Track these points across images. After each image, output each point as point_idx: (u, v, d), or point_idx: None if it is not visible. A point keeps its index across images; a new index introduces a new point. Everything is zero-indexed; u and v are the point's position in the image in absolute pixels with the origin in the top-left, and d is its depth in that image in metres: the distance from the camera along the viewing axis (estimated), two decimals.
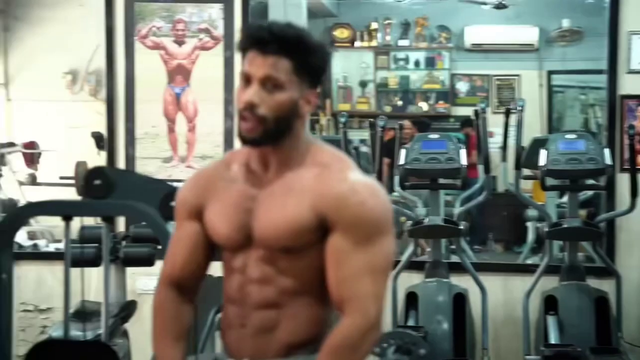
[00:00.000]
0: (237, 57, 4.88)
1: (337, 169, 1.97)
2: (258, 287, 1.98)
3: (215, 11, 4.95)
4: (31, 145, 6.61)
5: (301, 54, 1.92)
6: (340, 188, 1.93)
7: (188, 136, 4.92)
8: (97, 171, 3.05)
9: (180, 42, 4.95)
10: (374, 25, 8.51)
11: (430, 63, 8.55)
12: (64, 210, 2.60)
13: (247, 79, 1.94)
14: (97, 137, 5.66)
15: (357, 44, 8.56)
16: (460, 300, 4.33)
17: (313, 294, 1.99)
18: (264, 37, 1.91)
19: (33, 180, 6.51)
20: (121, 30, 4.93)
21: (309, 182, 1.95)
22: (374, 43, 8.54)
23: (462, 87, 8.52)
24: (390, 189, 4.71)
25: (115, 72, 4.92)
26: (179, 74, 4.93)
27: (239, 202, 2.00)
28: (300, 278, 1.97)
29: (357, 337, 1.91)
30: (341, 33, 8.52)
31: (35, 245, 5.81)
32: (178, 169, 4.90)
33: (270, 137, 1.94)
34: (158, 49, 4.95)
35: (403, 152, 4.34)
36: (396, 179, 4.51)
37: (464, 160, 4.30)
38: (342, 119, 4.41)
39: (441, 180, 4.42)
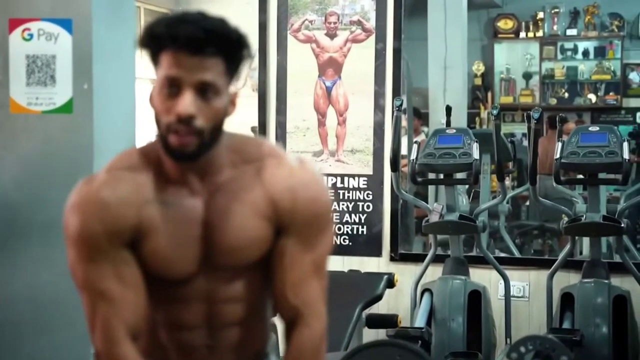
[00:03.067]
0: (389, 49, 4.86)
1: (273, 163, 1.78)
2: (227, 306, 1.80)
3: (367, 3, 4.89)
4: None
5: (235, 53, 1.66)
6: (289, 188, 1.76)
7: (338, 130, 4.89)
8: None
9: (332, 35, 4.92)
10: (541, 15, 8.23)
11: (601, 53, 8.15)
12: None
13: (173, 85, 1.64)
14: (256, 132, 5.76)
15: (522, 34, 8.29)
16: (621, 302, 4.09)
17: (266, 301, 1.86)
18: (197, 37, 1.61)
19: None
20: (274, 24, 4.95)
21: (252, 186, 1.75)
22: (539, 33, 8.24)
23: (635, 77, 8.07)
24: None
25: (268, 66, 4.95)
26: (330, 67, 4.90)
27: (186, 230, 1.73)
28: (262, 288, 1.83)
29: (318, 343, 1.82)
30: (505, 24, 8.27)
31: None
32: (328, 163, 4.87)
33: (205, 150, 1.68)
34: (310, 42, 4.94)
35: (559, 145, 4.13)
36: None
37: (626, 154, 4.04)
38: (494, 112, 4.24)
39: (601, 175, 4.19)
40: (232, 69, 1.68)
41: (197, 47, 1.62)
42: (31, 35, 2.53)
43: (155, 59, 1.67)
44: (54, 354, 2.58)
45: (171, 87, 1.65)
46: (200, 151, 1.68)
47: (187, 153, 1.67)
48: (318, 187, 1.82)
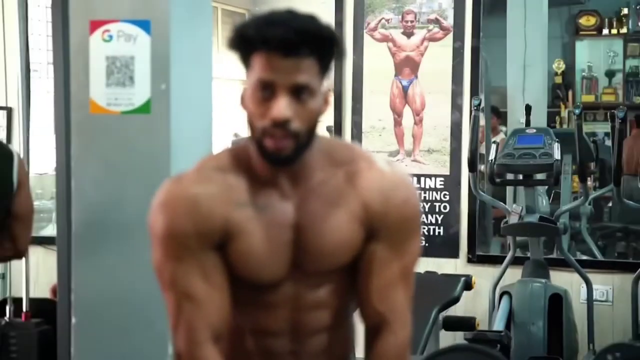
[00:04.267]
0: (467, 47, 4.79)
1: (364, 167, 1.73)
2: (312, 313, 1.77)
3: (445, 1, 4.82)
4: None
5: (328, 52, 1.63)
6: (381, 192, 1.72)
7: (414, 129, 4.83)
8: None
9: (408, 34, 4.87)
10: (625, 11, 8.02)
11: None
12: None
13: (266, 88, 1.61)
14: (331, 132, 5.75)
15: (605, 31, 8.09)
16: None
17: (351, 307, 1.82)
18: (290, 38, 1.58)
19: None
20: (350, 23, 4.93)
21: (345, 190, 1.71)
22: (623, 30, 8.03)
23: None
24: None
25: (344, 66, 4.92)
26: (406, 66, 4.85)
27: (277, 234, 1.70)
28: (347, 294, 1.79)
29: (402, 351, 1.77)
30: (587, 20, 8.08)
31: None
32: (404, 163, 4.82)
33: (301, 152, 1.65)
34: (386, 41, 4.89)
35: None
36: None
37: None
38: (576, 111, 4.14)
39: None
40: (324, 68, 1.65)
41: (290, 49, 1.59)
42: (111, 37, 2.54)
43: (246, 61, 1.65)
44: (131, 354, 2.59)
45: (265, 90, 1.62)
46: (296, 154, 1.65)
47: (284, 156, 1.65)
48: (409, 190, 1.79)
